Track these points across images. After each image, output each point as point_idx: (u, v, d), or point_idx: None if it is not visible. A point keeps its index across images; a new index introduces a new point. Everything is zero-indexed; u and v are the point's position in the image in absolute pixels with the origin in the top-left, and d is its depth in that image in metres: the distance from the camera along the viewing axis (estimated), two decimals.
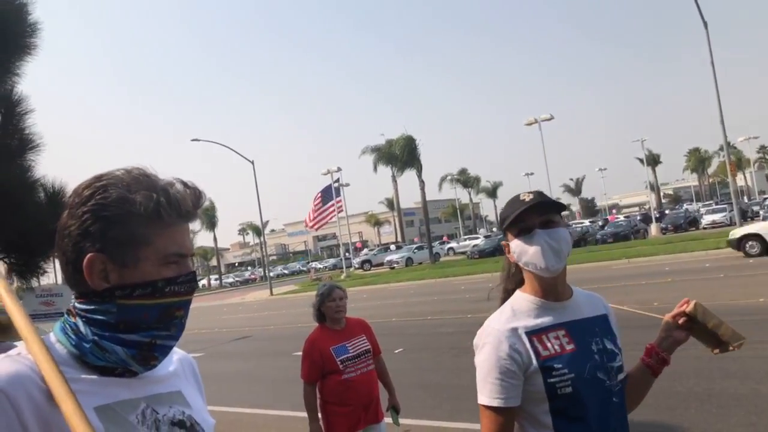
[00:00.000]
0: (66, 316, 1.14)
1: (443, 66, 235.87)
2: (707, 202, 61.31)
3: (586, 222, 55.63)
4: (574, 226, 46.23)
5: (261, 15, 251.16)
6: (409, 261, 44.80)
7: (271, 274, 46.69)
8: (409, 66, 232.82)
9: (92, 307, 1.10)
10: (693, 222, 42.42)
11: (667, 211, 58.28)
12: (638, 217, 50.16)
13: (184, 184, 1.15)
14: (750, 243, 18.35)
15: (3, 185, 4.06)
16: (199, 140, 37.28)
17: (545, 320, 1.66)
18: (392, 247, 42.55)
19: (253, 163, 37.66)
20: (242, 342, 16.20)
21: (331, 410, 3.87)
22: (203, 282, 69.13)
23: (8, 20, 4.06)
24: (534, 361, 1.60)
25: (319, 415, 3.90)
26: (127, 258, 1.09)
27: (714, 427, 5.26)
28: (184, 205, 1.12)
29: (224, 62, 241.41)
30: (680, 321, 1.73)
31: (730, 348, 1.69)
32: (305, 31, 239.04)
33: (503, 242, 1.77)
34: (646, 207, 67.66)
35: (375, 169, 45.21)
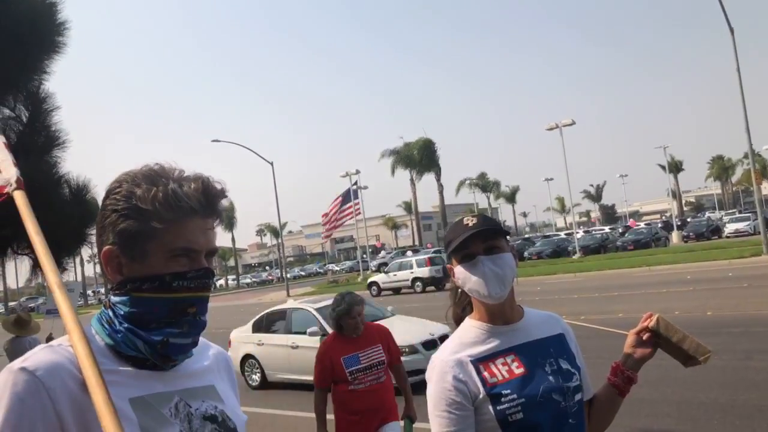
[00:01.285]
0: (103, 308, 1.18)
1: (464, 71, 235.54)
2: (730, 211, 60.41)
3: (606, 228, 55.12)
4: (594, 233, 45.67)
5: (283, 22, 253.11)
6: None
7: (288, 275, 46.86)
8: (429, 71, 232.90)
9: (116, 299, 1.14)
10: (716, 230, 41.74)
11: (689, 219, 57.51)
12: (659, 225, 49.54)
13: (200, 180, 1.14)
14: None
15: (30, 182, 4.11)
16: (219, 141, 37.65)
17: (493, 346, 1.62)
18: (408, 252, 42.47)
19: (272, 164, 37.92)
20: None
21: (341, 416, 3.88)
22: (221, 282, 69.58)
23: (38, 18, 4.13)
24: (481, 390, 1.56)
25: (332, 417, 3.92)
26: (135, 251, 1.11)
27: None
28: (187, 200, 1.11)
29: (246, 68, 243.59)
30: (644, 336, 1.66)
31: (699, 361, 1.63)
32: (326, 38, 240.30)
33: (448, 266, 1.74)
34: (668, 214, 66.76)
35: (393, 172, 45.27)
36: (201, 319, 1.16)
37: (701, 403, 6.16)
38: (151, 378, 1.11)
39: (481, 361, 1.59)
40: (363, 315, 3.91)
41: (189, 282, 1.12)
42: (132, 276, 1.11)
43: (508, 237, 1.69)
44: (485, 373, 1.58)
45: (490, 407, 1.54)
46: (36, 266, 4.50)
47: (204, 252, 1.15)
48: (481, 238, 1.61)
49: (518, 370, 1.59)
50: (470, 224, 1.64)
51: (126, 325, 1.11)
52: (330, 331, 7.65)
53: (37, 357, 1.03)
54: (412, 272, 27.45)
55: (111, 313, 1.14)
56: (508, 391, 1.55)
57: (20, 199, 1.28)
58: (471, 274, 1.60)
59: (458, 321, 1.77)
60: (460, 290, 1.73)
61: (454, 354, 1.62)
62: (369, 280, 30.54)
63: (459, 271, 1.64)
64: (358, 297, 3.97)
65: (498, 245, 1.63)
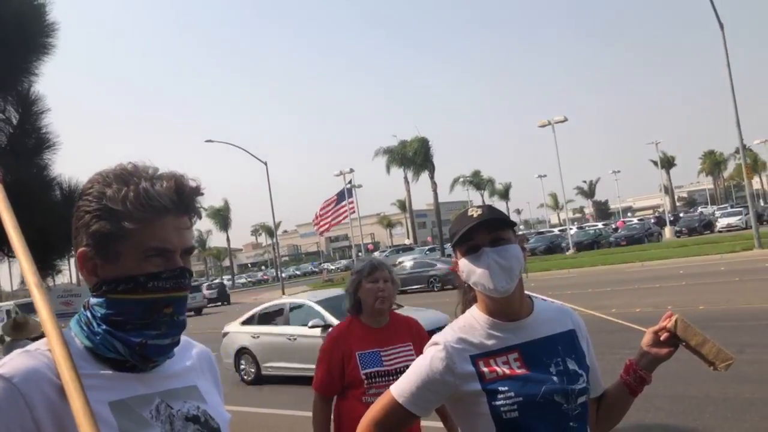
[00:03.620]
0: (82, 309, 1.17)
1: (456, 68, 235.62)
2: (722, 205, 60.61)
3: (600, 225, 55.25)
4: (587, 228, 45.83)
5: (272, 17, 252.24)
6: None
7: (284, 275, 46.75)
8: (422, 68, 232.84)
9: (93, 301, 1.13)
10: (708, 225, 42.01)
11: (681, 214, 57.73)
12: (652, 220, 49.73)
13: (173, 178, 1.12)
14: None
15: (20, 184, 4.11)
16: (212, 141, 37.51)
17: (496, 342, 1.56)
18: (406, 245, 42.50)
19: (266, 164, 37.81)
20: None
21: None
22: (217, 282, 69.33)
23: (26, 20, 4.12)
24: (477, 384, 1.52)
25: None
26: (109, 253, 1.10)
27: (728, 431, 5.20)
28: (159, 198, 1.08)
29: (237, 64, 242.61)
30: (662, 336, 1.58)
31: (719, 368, 1.54)
32: (318, 33, 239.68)
33: (453, 259, 1.67)
34: (660, 210, 67.00)
35: (388, 171, 45.17)
36: (179, 319, 1.14)
37: (693, 396, 6.20)
38: (131, 380, 1.10)
39: (480, 357, 1.55)
40: (391, 290, 2.84)
41: (164, 282, 1.10)
42: (107, 278, 1.10)
43: (515, 228, 1.62)
44: (484, 369, 1.53)
45: (485, 402, 1.51)
46: None
47: (179, 251, 1.13)
48: (486, 229, 1.54)
49: (520, 369, 1.53)
50: (475, 215, 1.57)
51: (104, 326, 1.10)
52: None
53: (13, 363, 1.02)
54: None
55: (89, 315, 1.13)
56: (506, 388, 1.50)
57: None
58: (475, 266, 1.53)
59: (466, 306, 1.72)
60: (467, 285, 1.65)
61: (457, 343, 1.57)
62: None
63: (463, 264, 1.58)
64: (389, 266, 2.97)
65: (504, 236, 1.56)
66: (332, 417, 2.85)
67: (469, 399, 1.54)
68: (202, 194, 1.17)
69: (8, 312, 20.84)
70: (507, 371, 1.53)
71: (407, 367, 2.64)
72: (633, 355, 1.65)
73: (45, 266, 4.67)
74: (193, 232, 1.19)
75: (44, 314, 1.07)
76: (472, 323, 1.61)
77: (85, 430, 0.92)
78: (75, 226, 1.12)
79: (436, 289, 24.83)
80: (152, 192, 1.08)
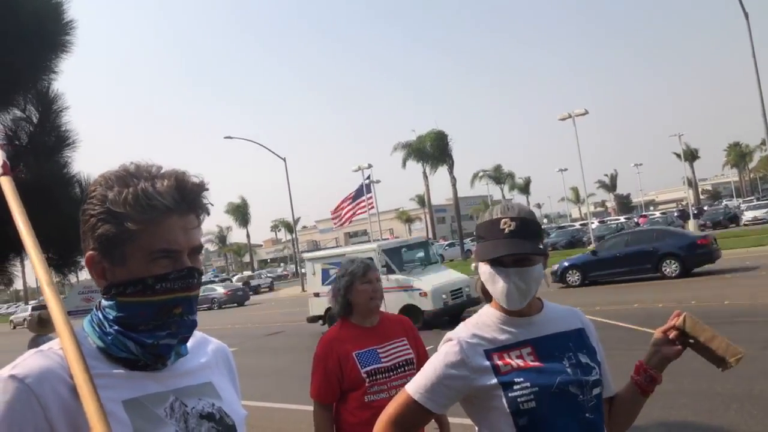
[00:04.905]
0: (94, 309, 1.16)
1: (476, 62, 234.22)
2: (748, 198, 59.61)
3: (622, 218, 54.65)
4: (609, 222, 45.33)
5: (293, 16, 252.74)
6: (440, 258, 44.60)
7: (303, 270, 47.05)
8: (441, 63, 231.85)
9: (105, 303, 1.13)
10: (733, 218, 41.26)
11: (705, 208, 56.87)
12: (675, 214, 49.03)
13: (173, 176, 1.10)
14: None
15: (41, 182, 4.14)
16: (232, 138, 37.72)
17: (509, 337, 1.59)
18: None
19: (285, 160, 37.95)
20: (275, 337, 16.36)
21: None
22: (237, 278, 69.92)
23: (45, 18, 4.15)
24: (493, 377, 1.53)
25: None
26: (115, 256, 1.09)
27: (753, 429, 5.11)
28: (160, 198, 1.07)
29: (257, 61, 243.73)
30: (671, 335, 1.60)
31: (729, 363, 1.54)
32: (338, 30, 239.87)
33: (475, 248, 1.67)
34: (684, 203, 66.00)
35: (404, 164, 45.01)
36: (189, 318, 1.13)
37: (717, 393, 6.09)
38: (144, 379, 1.10)
39: (495, 351, 1.57)
40: (381, 290, 2.90)
41: (172, 283, 1.09)
42: (115, 281, 1.09)
43: (542, 245, 1.61)
44: (498, 362, 1.55)
45: (502, 394, 1.52)
46: (49, 266, 4.53)
47: (186, 251, 1.11)
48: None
49: (534, 362, 1.55)
50: (506, 230, 1.54)
51: (116, 327, 1.10)
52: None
53: (26, 363, 1.02)
54: None
55: (101, 315, 1.12)
56: (521, 379, 1.52)
57: (7, 185, 1.24)
58: (494, 280, 1.56)
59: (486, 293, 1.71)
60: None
61: (472, 338, 1.59)
62: None
63: (484, 270, 1.59)
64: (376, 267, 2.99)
65: (529, 258, 1.55)
66: (334, 425, 2.80)
67: (484, 393, 1.55)
68: (206, 190, 1.14)
69: (34, 308, 21.32)
70: (521, 363, 1.55)
71: (405, 362, 2.87)
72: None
73: (66, 263, 4.71)
74: (201, 230, 1.17)
75: (56, 313, 1.07)
76: (485, 320, 1.64)
77: (98, 429, 0.91)
78: (82, 230, 1.12)
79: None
80: (151, 192, 1.07)
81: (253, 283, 46.86)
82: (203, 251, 1.21)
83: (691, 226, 40.89)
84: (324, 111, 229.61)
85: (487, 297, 1.69)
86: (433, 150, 42.66)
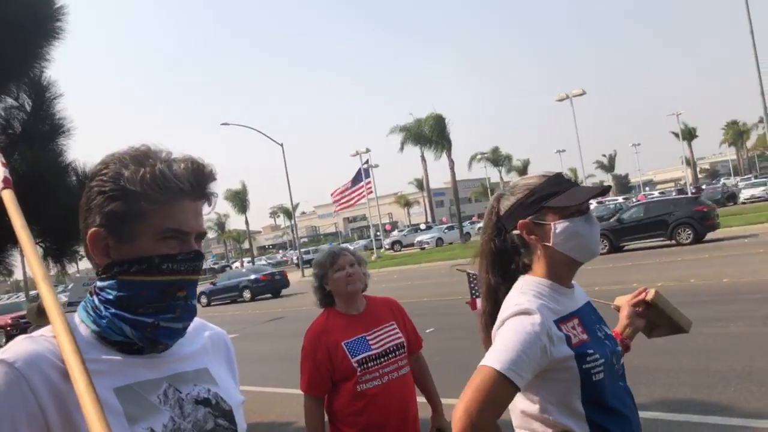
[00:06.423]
0: (88, 295, 1.15)
1: (473, 44, 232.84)
2: (746, 176, 59.64)
3: (620, 199, 54.68)
4: (607, 203, 45.47)
5: (291, 2, 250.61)
6: (439, 241, 44.68)
7: (303, 256, 47.08)
8: (439, 46, 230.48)
9: (102, 284, 1.12)
10: (731, 197, 41.35)
11: (703, 186, 56.90)
12: (674, 193, 49.05)
13: (189, 161, 1.12)
14: None
15: (36, 170, 4.12)
16: (228, 124, 37.62)
17: (563, 308, 1.57)
18: (422, 226, 42.57)
19: (282, 145, 37.86)
20: (275, 323, 16.41)
21: None
22: (236, 264, 70.06)
23: (35, 5, 4.10)
24: (568, 348, 1.49)
25: None
26: (123, 233, 1.09)
27: (753, 405, 5.12)
28: (177, 180, 1.08)
29: (253, 44, 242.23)
30: (640, 309, 1.78)
31: (686, 330, 1.84)
32: (334, 14, 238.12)
33: (522, 221, 1.59)
34: (682, 182, 66.00)
35: (402, 148, 44.93)
36: (191, 303, 1.13)
37: (717, 370, 6.12)
38: (138, 365, 1.09)
39: (561, 322, 1.54)
40: (359, 272, 2.76)
41: (179, 264, 1.09)
42: (120, 259, 1.09)
43: None
44: (569, 333, 1.53)
45: (575, 366, 1.49)
46: (47, 255, 4.54)
47: (194, 234, 1.13)
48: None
49: (583, 335, 1.56)
50: (573, 179, 1.61)
51: (112, 310, 1.09)
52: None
53: (16, 348, 1.01)
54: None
55: (96, 300, 1.12)
56: (592, 351, 1.52)
57: (8, 197, 1.26)
58: (581, 231, 1.56)
59: (489, 293, 1.67)
60: (499, 252, 1.64)
61: (543, 309, 1.51)
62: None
63: (564, 227, 1.55)
64: (350, 249, 2.92)
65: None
66: (326, 416, 2.75)
67: (558, 365, 1.49)
68: (216, 179, 1.16)
69: (34, 298, 21.37)
70: (582, 335, 1.55)
71: (396, 347, 2.78)
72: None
73: (64, 252, 4.71)
74: (204, 217, 1.18)
75: (49, 303, 1.06)
76: (540, 289, 1.58)
77: (92, 417, 0.90)
78: (86, 207, 1.11)
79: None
80: (169, 174, 1.08)
81: None
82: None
83: None
84: (321, 95, 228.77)
85: (489, 288, 1.66)
86: (431, 133, 42.51)
